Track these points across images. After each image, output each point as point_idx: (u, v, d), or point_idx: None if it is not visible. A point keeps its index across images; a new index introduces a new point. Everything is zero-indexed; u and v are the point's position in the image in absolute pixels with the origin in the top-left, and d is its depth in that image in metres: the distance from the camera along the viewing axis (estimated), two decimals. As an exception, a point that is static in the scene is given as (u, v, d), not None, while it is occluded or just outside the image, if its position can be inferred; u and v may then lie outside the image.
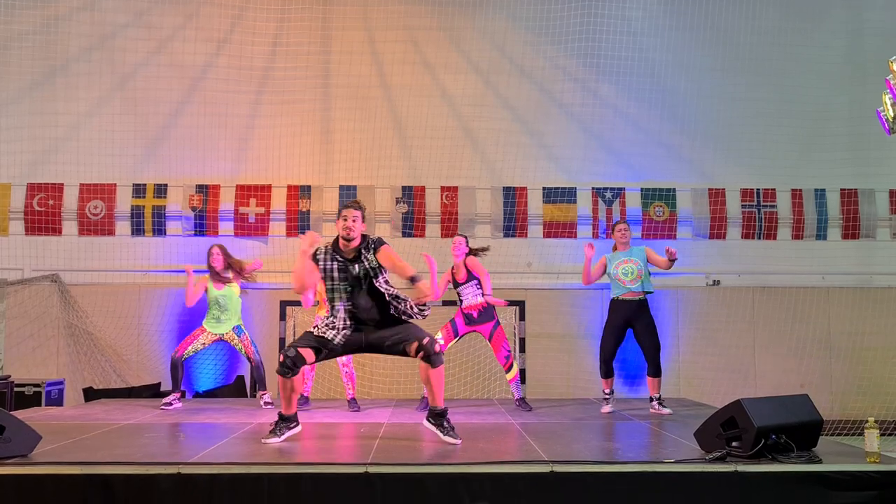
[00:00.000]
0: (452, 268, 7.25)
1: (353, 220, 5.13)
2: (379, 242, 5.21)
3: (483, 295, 7.12)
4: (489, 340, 7.24)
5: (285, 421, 5.25)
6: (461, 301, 7.21)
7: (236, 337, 7.41)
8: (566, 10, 10.47)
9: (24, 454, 4.44)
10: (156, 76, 10.70)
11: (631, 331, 6.94)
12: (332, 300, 5.22)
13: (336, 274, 5.19)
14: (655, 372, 6.85)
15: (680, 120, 10.83)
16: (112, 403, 7.88)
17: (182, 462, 4.27)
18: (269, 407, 7.31)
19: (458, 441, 5.03)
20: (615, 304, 6.96)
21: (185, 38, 10.67)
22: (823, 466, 4.25)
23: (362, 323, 5.19)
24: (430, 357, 5.05)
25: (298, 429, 5.31)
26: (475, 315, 7.12)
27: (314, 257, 5.26)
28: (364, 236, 5.24)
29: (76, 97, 10.61)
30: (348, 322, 5.17)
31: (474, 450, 4.86)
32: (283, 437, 5.15)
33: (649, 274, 6.96)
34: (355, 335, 5.19)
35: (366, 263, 5.15)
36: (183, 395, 7.50)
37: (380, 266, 5.15)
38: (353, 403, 7.26)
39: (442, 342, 7.01)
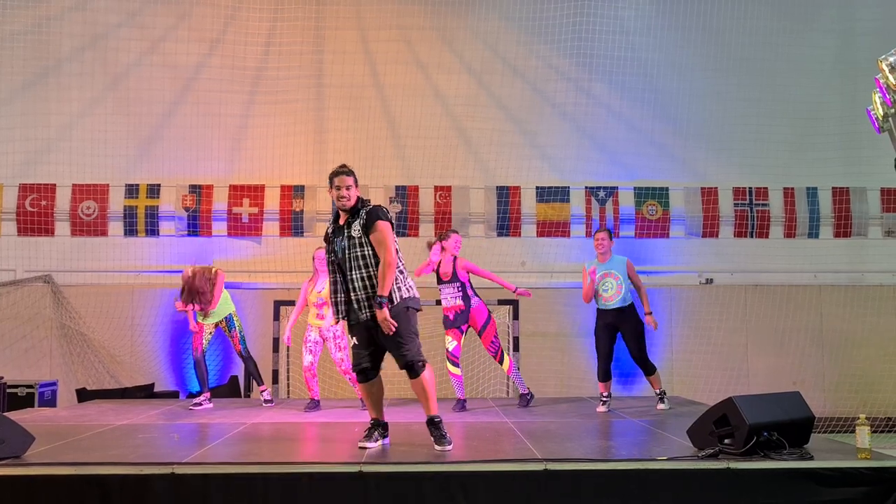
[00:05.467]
0: (439, 262, 6.99)
1: (347, 188, 4.70)
2: (374, 217, 4.66)
3: (513, 291, 7.10)
4: (479, 335, 7.14)
5: (377, 426, 4.96)
6: (440, 301, 7.10)
7: (227, 329, 7.47)
8: (558, 9, 10.47)
9: (18, 455, 4.44)
10: (148, 76, 10.67)
11: (620, 333, 6.98)
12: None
13: (330, 248, 4.84)
14: (647, 371, 6.96)
15: (672, 119, 10.86)
16: (105, 404, 7.87)
17: (176, 462, 4.27)
18: (268, 405, 7.29)
19: (448, 447, 4.73)
20: (599, 311, 7.00)
21: (177, 39, 10.64)
22: (815, 463, 4.27)
23: (353, 312, 4.80)
24: (410, 370, 4.81)
25: (387, 439, 4.97)
26: (451, 317, 6.99)
27: (326, 238, 4.92)
28: (360, 200, 4.79)
29: (68, 97, 10.57)
30: (342, 308, 4.86)
31: (468, 449, 4.87)
32: (376, 443, 4.87)
33: (629, 287, 6.91)
34: (357, 326, 4.85)
35: (351, 232, 4.70)
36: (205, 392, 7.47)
37: (366, 238, 4.65)
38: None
39: (455, 343, 6.97)
